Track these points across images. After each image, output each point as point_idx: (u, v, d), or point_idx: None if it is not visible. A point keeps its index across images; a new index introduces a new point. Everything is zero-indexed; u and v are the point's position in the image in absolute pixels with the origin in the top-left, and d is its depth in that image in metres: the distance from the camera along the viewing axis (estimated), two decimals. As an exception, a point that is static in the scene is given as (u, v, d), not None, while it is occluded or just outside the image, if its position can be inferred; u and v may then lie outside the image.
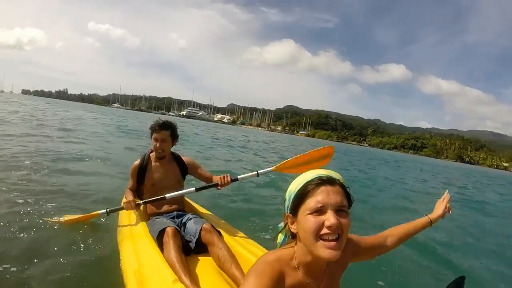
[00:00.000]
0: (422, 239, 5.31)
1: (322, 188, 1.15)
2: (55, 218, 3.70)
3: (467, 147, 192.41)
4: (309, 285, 1.23)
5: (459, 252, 5.46)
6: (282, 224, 1.35)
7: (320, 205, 1.13)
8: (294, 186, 1.22)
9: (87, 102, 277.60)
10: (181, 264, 2.32)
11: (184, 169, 3.34)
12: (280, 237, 1.38)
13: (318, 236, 1.13)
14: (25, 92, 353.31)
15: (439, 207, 1.83)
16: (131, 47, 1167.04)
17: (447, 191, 1.91)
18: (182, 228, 2.88)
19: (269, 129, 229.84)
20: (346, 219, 1.15)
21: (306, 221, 1.14)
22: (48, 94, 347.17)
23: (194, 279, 2.27)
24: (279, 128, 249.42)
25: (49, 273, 2.84)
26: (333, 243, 1.12)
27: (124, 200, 3.21)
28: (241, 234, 3.08)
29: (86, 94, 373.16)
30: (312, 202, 1.14)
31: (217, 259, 2.49)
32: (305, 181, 1.19)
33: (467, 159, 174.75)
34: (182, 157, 3.39)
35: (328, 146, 3.52)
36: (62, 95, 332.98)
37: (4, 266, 2.82)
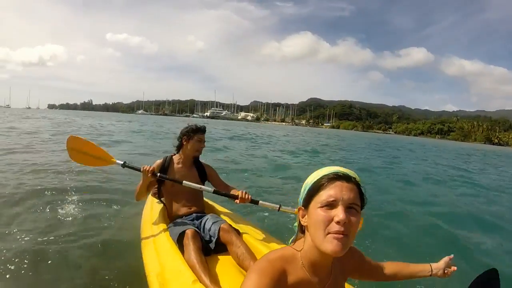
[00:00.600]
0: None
1: (337, 183, 1.15)
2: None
3: (496, 128, 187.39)
4: (313, 284, 1.22)
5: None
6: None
7: (332, 199, 1.13)
8: (311, 179, 1.22)
9: (112, 111, 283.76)
10: (201, 265, 2.39)
11: (203, 174, 3.42)
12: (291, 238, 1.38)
13: (326, 231, 1.12)
14: (51, 106, 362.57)
15: (444, 265, 1.70)
16: (150, 53, 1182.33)
17: (451, 256, 1.74)
18: (202, 229, 2.97)
19: (293, 123, 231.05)
20: (356, 217, 1.14)
21: (316, 214, 1.14)
22: (74, 107, 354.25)
23: (214, 278, 2.34)
24: (303, 121, 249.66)
25: (75, 276, 3.20)
26: (340, 235, 1.10)
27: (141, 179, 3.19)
28: (260, 231, 3.14)
29: (111, 103, 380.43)
30: (324, 195, 1.14)
31: (236, 257, 2.56)
32: (321, 175, 1.19)
33: (496, 140, 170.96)
34: (202, 163, 3.51)
35: None
36: (87, 106, 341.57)
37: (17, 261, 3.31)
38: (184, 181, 3.12)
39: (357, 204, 1.16)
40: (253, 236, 2.96)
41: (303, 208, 1.23)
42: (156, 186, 3.36)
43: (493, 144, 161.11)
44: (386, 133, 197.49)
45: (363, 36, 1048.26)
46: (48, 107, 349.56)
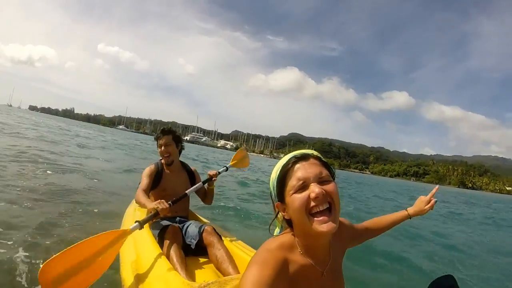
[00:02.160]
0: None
1: (298, 165, 1.15)
2: None
3: (470, 172, 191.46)
4: (315, 268, 1.20)
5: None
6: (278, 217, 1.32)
7: (301, 181, 1.12)
8: (274, 173, 1.22)
9: (93, 122, 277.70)
10: (178, 258, 2.40)
11: (192, 177, 3.50)
12: (276, 230, 1.35)
13: (309, 212, 1.11)
14: (32, 108, 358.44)
15: (421, 203, 1.81)
16: (139, 70, 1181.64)
17: (436, 187, 1.88)
18: (184, 231, 2.98)
19: (272, 156, 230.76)
20: (331, 185, 1.14)
21: (293, 200, 1.13)
22: (55, 112, 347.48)
23: (190, 273, 2.35)
24: (282, 155, 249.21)
25: (45, 254, 3.23)
26: (326, 216, 1.09)
27: (151, 204, 2.79)
28: (240, 241, 3.14)
29: (92, 114, 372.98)
30: (293, 181, 1.14)
31: (215, 259, 2.56)
32: (281, 165, 1.20)
33: (470, 184, 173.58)
34: (191, 168, 3.59)
35: (240, 149, 4.38)
36: (69, 114, 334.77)
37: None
38: (187, 191, 3.21)
39: (325, 174, 1.15)
40: (234, 243, 2.95)
41: (280, 203, 1.21)
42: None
43: (467, 188, 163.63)
44: (363, 173, 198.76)
45: (349, 76, 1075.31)
46: (29, 108, 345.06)
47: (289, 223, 1.23)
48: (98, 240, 2.13)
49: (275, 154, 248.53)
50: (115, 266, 2.50)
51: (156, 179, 3.27)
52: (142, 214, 3.22)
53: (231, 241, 2.98)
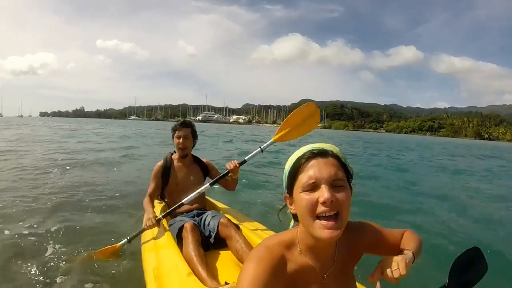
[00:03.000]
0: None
1: (313, 161, 1.08)
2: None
3: (486, 123, 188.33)
4: (314, 270, 1.15)
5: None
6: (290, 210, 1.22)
7: (312, 180, 1.05)
8: (288, 164, 1.15)
9: (104, 117, 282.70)
10: (198, 258, 2.37)
11: (205, 170, 3.44)
12: (292, 222, 1.28)
13: (315, 215, 1.04)
14: (43, 114, 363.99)
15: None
16: (141, 59, 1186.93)
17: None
18: (202, 225, 2.94)
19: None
20: (343, 193, 1.06)
21: (300, 199, 1.07)
22: (66, 114, 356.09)
23: (211, 272, 2.32)
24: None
25: (78, 272, 3.19)
26: (331, 222, 1.03)
27: (145, 217, 3.07)
28: (260, 226, 3.12)
29: (103, 109, 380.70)
30: (304, 178, 1.07)
31: (235, 252, 2.53)
32: (296, 157, 1.12)
33: (486, 135, 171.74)
34: (202, 160, 3.52)
35: (310, 103, 3.44)
36: (80, 114, 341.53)
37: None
38: (184, 200, 3.09)
39: (340, 178, 1.08)
40: (252, 230, 2.93)
41: (288, 195, 1.16)
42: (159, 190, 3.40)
43: (483, 139, 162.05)
44: (378, 132, 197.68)
45: (353, 37, 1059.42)
46: (40, 115, 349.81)
47: (295, 217, 1.19)
48: (99, 254, 3.22)
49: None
50: (141, 273, 2.65)
51: (165, 176, 3.28)
52: (160, 206, 3.42)
53: (249, 229, 2.95)
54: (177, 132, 3.29)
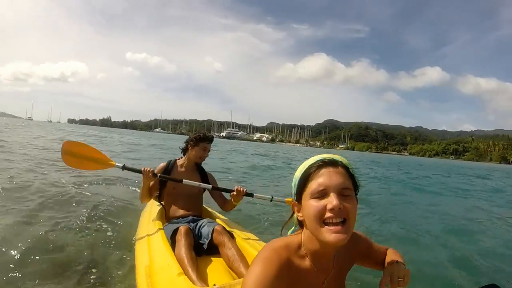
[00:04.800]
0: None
1: (324, 170, 1.12)
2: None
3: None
4: (316, 274, 1.20)
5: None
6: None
7: (321, 187, 1.09)
8: (299, 171, 1.19)
9: (130, 128, 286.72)
10: (189, 260, 2.41)
11: (205, 180, 3.41)
12: (293, 228, 1.34)
13: (322, 221, 1.08)
14: (71, 121, 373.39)
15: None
16: (169, 73, 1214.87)
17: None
18: (197, 230, 2.98)
19: (308, 144, 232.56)
20: (350, 202, 1.10)
21: (309, 206, 1.11)
22: (93, 122, 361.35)
23: (201, 275, 2.36)
24: (318, 143, 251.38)
25: (69, 260, 3.33)
26: (338, 227, 1.07)
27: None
28: (254, 237, 3.13)
29: (129, 120, 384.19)
30: (314, 185, 1.11)
31: (227, 259, 2.56)
32: (307, 165, 1.16)
33: None
34: (205, 170, 3.54)
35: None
36: (106, 123, 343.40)
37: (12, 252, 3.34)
38: (184, 180, 3.19)
39: (348, 187, 1.12)
40: (246, 240, 2.97)
41: (296, 202, 1.20)
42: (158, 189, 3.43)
43: (509, 163, 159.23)
44: (401, 155, 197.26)
45: (378, 57, 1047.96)
46: (68, 122, 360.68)
47: (301, 224, 1.23)
48: (96, 153, 3.45)
49: (311, 142, 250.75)
50: (133, 271, 2.76)
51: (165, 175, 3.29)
52: (157, 218, 3.37)
53: (243, 238, 2.98)
54: (205, 144, 3.36)
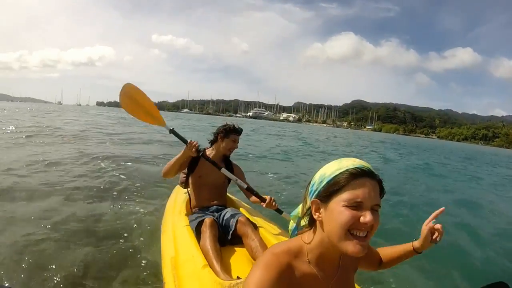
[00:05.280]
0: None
1: (363, 181, 1.08)
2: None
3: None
4: (320, 279, 1.17)
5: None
6: (297, 210, 1.30)
7: (359, 200, 1.06)
8: (331, 170, 1.12)
9: (158, 109, 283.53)
10: (214, 252, 2.44)
11: (232, 170, 3.38)
12: (292, 224, 1.33)
13: (349, 231, 1.07)
14: (100, 104, 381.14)
15: (424, 231, 1.44)
16: (196, 54, 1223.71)
17: (440, 210, 1.43)
18: (221, 221, 3.00)
19: (334, 125, 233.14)
20: (378, 217, 1.09)
21: (341, 212, 1.06)
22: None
23: (225, 266, 2.40)
24: (345, 123, 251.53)
25: (97, 252, 3.49)
26: (362, 239, 1.07)
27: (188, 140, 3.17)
28: (277, 228, 3.10)
29: (157, 101, 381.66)
30: (350, 194, 1.06)
31: (250, 250, 2.58)
32: (344, 168, 1.10)
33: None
34: (232, 162, 3.49)
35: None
36: None
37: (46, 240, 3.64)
38: (222, 169, 3.20)
39: (380, 205, 1.11)
40: (269, 231, 2.97)
41: (319, 201, 1.13)
42: (185, 175, 3.40)
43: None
44: (428, 137, 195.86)
45: (408, 37, 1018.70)
46: (96, 104, 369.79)
47: (311, 223, 1.20)
48: (152, 106, 3.44)
49: (337, 123, 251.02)
50: (158, 259, 2.92)
51: (193, 164, 3.30)
52: (182, 207, 3.42)
53: (266, 229, 2.99)
54: (235, 135, 3.35)
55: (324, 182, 1.12)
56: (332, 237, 1.10)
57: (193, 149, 3.09)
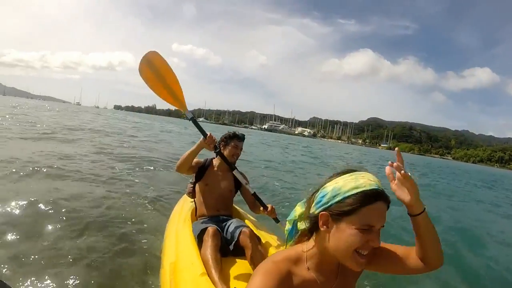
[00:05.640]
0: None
1: (377, 205, 1.08)
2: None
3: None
4: (319, 285, 1.18)
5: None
6: (294, 214, 1.27)
7: (372, 224, 1.07)
8: (346, 187, 1.09)
9: (174, 116, 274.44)
10: (214, 261, 2.41)
11: (238, 181, 3.34)
12: (288, 226, 1.31)
13: (355, 250, 1.09)
14: (117, 107, 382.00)
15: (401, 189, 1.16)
16: (214, 65, 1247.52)
17: (396, 149, 1.19)
18: (225, 231, 2.98)
19: (349, 142, 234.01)
20: (380, 237, 1.11)
21: (352, 235, 1.07)
22: (138, 110, 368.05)
23: (224, 276, 2.37)
24: (360, 141, 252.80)
25: (96, 263, 3.29)
26: (365, 256, 1.10)
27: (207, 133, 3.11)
28: (281, 242, 3.02)
29: (173, 109, 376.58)
30: (364, 219, 1.07)
31: (251, 262, 2.56)
32: (362, 188, 1.08)
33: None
34: (239, 170, 3.41)
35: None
36: (151, 110, 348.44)
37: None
38: (235, 171, 3.22)
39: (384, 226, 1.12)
40: (272, 244, 2.92)
41: (329, 216, 1.11)
42: (192, 185, 3.41)
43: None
44: (443, 158, 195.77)
45: (426, 54, 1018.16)
46: (114, 108, 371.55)
47: (311, 230, 1.21)
48: (176, 84, 3.20)
49: (352, 139, 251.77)
50: (159, 264, 2.94)
51: (201, 171, 3.28)
52: (187, 215, 3.37)
53: (270, 242, 2.96)
54: (237, 142, 3.32)
55: (338, 198, 1.10)
56: (337, 252, 1.12)
57: (211, 145, 3.05)
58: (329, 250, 1.13)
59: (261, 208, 3.25)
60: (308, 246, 1.20)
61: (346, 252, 1.09)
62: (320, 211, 1.13)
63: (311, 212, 1.17)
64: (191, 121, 3.23)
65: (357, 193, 1.08)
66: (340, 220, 1.09)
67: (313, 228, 1.19)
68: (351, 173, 1.14)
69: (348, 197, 1.08)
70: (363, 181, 1.10)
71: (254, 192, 3.30)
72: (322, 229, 1.14)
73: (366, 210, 1.07)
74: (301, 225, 1.24)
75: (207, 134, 3.09)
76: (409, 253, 1.26)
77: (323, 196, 1.13)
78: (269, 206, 3.25)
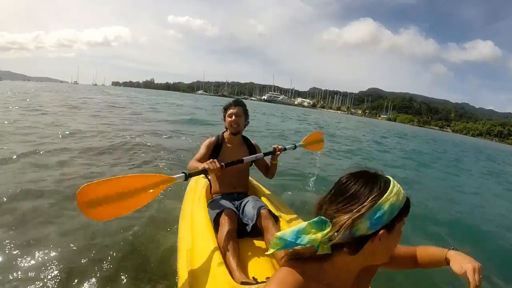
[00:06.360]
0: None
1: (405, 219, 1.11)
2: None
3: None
4: None
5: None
6: (310, 237, 1.07)
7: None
8: (399, 198, 1.07)
9: (173, 90, 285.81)
10: (231, 247, 2.35)
11: (253, 152, 3.31)
12: (281, 245, 1.12)
13: None
14: (115, 83, 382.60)
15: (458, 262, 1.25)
16: (211, 35, 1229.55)
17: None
18: (241, 210, 2.91)
19: (349, 112, 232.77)
20: None
21: (399, 234, 1.10)
22: (136, 85, 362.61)
23: (242, 261, 2.31)
24: (359, 111, 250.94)
25: (112, 241, 3.36)
26: None
27: (200, 165, 2.76)
28: (299, 220, 3.00)
29: (172, 82, 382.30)
30: (402, 222, 1.09)
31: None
32: (403, 195, 1.09)
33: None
34: (252, 142, 3.42)
35: (318, 133, 4.13)
36: (149, 85, 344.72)
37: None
38: (244, 158, 3.08)
39: None
40: (291, 225, 2.68)
41: (386, 231, 1.04)
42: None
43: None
44: (443, 130, 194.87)
45: (428, 25, 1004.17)
46: (112, 84, 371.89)
47: (335, 248, 1.09)
48: (143, 179, 2.22)
49: (352, 110, 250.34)
50: (175, 253, 2.77)
51: (215, 151, 3.20)
52: (201, 193, 3.29)
53: (287, 222, 2.90)
54: (229, 110, 3.24)
55: (397, 212, 1.07)
56: (384, 258, 1.12)
57: (216, 172, 2.75)
58: (372, 259, 1.11)
59: (273, 161, 3.35)
60: (327, 261, 1.14)
61: (386, 256, 1.12)
62: (380, 229, 1.06)
63: (358, 233, 1.05)
64: (189, 178, 2.65)
65: (403, 201, 1.09)
66: (394, 227, 1.08)
67: (336, 246, 1.09)
68: (393, 184, 1.09)
69: (398, 207, 1.07)
70: (401, 189, 1.10)
71: (264, 153, 3.31)
72: (372, 248, 1.07)
73: (403, 217, 1.10)
74: (324, 250, 1.10)
75: (206, 169, 2.68)
76: (414, 254, 1.46)
77: (381, 215, 1.04)
78: (275, 147, 3.30)
